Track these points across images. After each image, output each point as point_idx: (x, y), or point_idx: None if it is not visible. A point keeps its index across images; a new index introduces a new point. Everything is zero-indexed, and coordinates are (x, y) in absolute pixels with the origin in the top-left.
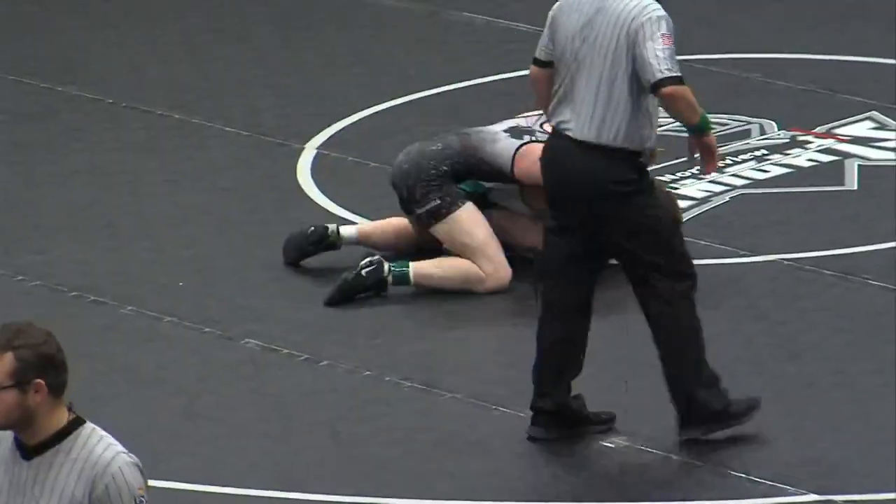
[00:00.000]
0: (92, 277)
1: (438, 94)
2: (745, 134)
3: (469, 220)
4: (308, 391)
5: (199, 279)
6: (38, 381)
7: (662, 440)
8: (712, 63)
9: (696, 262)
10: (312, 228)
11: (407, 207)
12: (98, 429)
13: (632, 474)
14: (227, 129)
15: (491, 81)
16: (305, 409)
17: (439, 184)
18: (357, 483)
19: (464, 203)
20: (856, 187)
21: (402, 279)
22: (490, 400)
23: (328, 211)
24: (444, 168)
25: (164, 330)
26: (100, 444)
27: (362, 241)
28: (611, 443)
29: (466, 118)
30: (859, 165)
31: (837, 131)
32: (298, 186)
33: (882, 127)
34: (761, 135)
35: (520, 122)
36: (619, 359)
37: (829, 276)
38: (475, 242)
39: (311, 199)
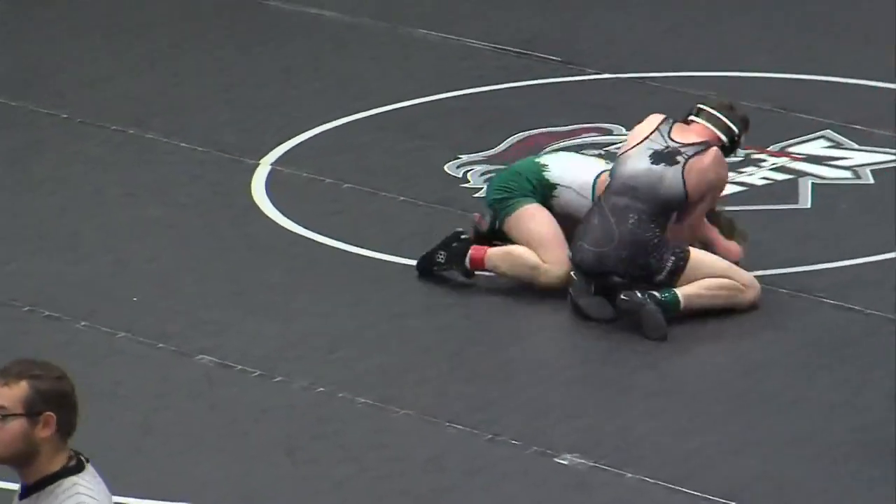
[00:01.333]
0: (47, 292)
1: (395, 110)
2: None
3: (701, 254)
4: (263, 408)
5: (155, 294)
6: (49, 414)
7: (616, 457)
8: (668, 81)
9: None
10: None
11: (651, 280)
12: (82, 483)
13: (585, 492)
14: (184, 144)
15: (447, 98)
16: (260, 426)
17: (663, 242)
18: (312, 501)
19: (690, 250)
20: (809, 206)
21: (672, 305)
22: (444, 416)
23: (283, 227)
24: (658, 231)
25: (120, 345)
26: (67, 502)
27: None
28: (565, 460)
29: (423, 134)
30: (813, 184)
31: (791, 150)
32: (253, 202)
33: (836, 146)
34: None
35: (653, 146)
36: (577, 378)
37: (783, 293)
38: (720, 265)
39: (266, 216)
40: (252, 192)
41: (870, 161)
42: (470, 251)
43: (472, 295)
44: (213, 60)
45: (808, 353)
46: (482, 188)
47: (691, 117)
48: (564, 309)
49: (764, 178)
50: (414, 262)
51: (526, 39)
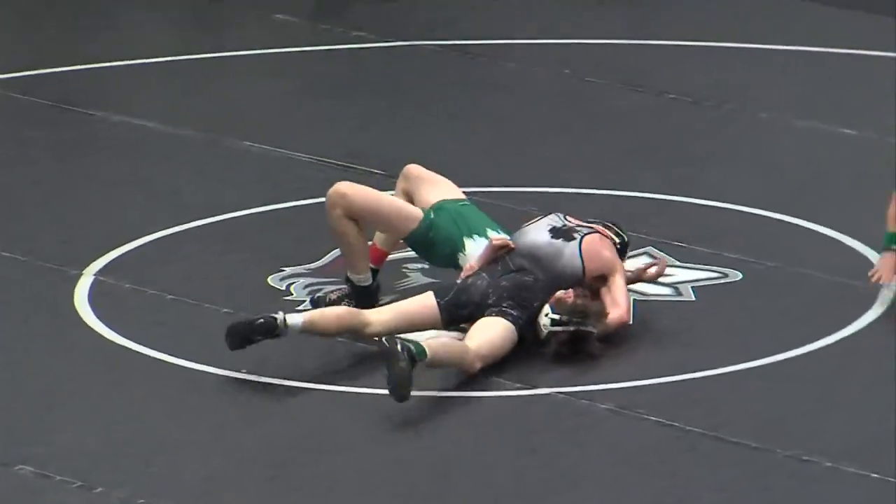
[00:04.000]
0: None
1: (218, 221)
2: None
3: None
4: None
5: None
6: None
7: None
8: (488, 195)
9: (472, 394)
10: (262, 319)
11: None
12: None
13: None
14: (5, 253)
15: (271, 210)
16: None
17: (528, 306)
18: None
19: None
20: (631, 322)
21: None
22: None
23: (105, 337)
24: (541, 297)
25: None
26: None
27: (306, 330)
28: None
29: (247, 246)
30: (635, 300)
31: None
32: (75, 312)
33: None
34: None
35: (552, 222)
36: None
37: (603, 409)
38: (497, 341)
39: (88, 326)
40: (74, 302)
41: (691, 278)
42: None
43: (295, 403)
44: (36, 171)
45: (628, 469)
46: (305, 300)
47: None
48: (392, 418)
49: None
50: (233, 374)
51: (349, 153)
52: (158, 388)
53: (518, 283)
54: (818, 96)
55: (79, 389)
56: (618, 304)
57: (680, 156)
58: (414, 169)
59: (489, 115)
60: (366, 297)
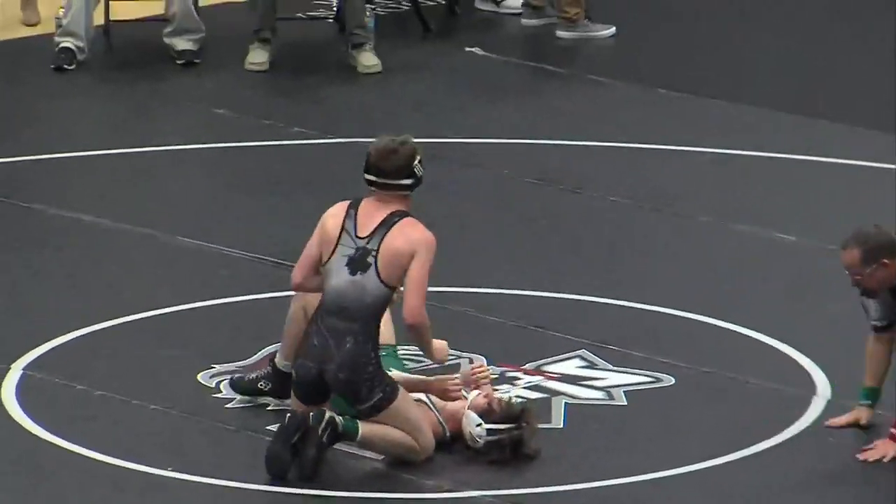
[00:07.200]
0: None
1: (150, 317)
2: (454, 369)
3: (405, 404)
4: None
5: None
6: None
7: None
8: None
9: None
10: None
11: (352, 404)
12: None
13: None
14: None
15: (202, 306)
16: None
17: (379, 376)
18: None
19: (399, 390)
20: (562, 425)
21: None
22: None
23: (31, 433)
24: (373, 354)
25: None
26: None
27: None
28: None
29: (177, 342)
30: (566, 403)
31: (547, 368)
32: (2, 406)
33: (591, 366)
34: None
35: (346, 251)
36: None
37: None
38: (412, 422)
39: (15, 420)
40: (1, 396)
41: (624, 382)
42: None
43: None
44: None
45: None
46: (235, 398)
47: (371, 185)
48: None
49: (518, 396)
50: (160, 472)
51: (283, 250)
52: (85, 485)
53: (346, 356)
54: (760, 202)
55: (2, 485)
56: (407, 302)
57: (615, 257)
58: None
59: (422, 213)
60: (285, 382)
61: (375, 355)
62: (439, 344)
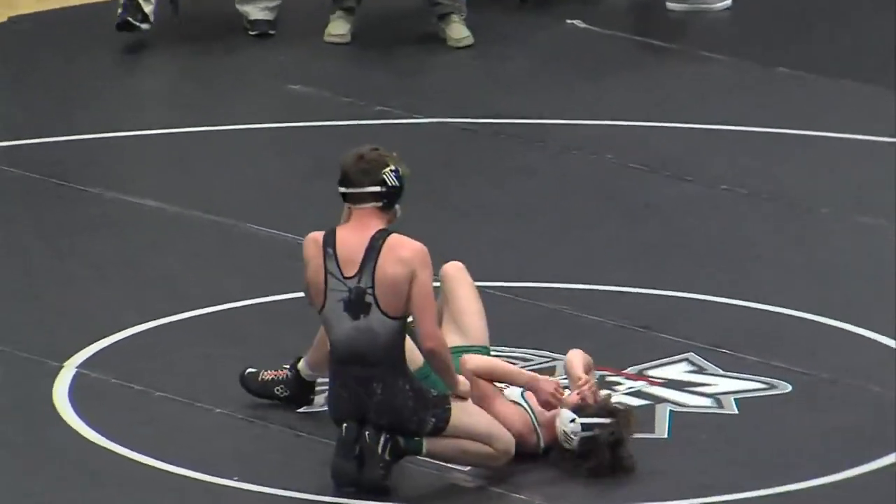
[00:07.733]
0: None
1: (215, 312)
2: (549, 372)
3: (467, 417)
4: None
5: None
6: None
7: None
8: (518, 292)
9: None
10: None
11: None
12: None
13: None
14: None
15: (273, 301)
16: None
17: (422, 404)
18: None
19: (452, 406)
20: (667, 436)
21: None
22: None
23: (85, 438)
24: (408, 387)
25: None
26: None
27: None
28: None
29: (244, 339)
30: (671, 411)
31: (650, 373)
32: (54, 408)
33: (699, 371)
34: (565, 374)
35: (339, 295)
36: None
37: None
38: (481, 432)
39: (67, 423)
40: (54, 397)
41: (735, 388)
42: None
43: None
44: (15, 251)
45: None
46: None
47: (346, 204)
48: None
49: (618, 403)
50: (224, 481)
51: None
52: (141, 496)
53: (381, 404)
54: (887, 192)
55: (54, 495)
56: (422, 329)
57: (727, 251)
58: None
59: (517, 200)
60: (305, 391)
61: (411, 387)
62: (462, 379)
